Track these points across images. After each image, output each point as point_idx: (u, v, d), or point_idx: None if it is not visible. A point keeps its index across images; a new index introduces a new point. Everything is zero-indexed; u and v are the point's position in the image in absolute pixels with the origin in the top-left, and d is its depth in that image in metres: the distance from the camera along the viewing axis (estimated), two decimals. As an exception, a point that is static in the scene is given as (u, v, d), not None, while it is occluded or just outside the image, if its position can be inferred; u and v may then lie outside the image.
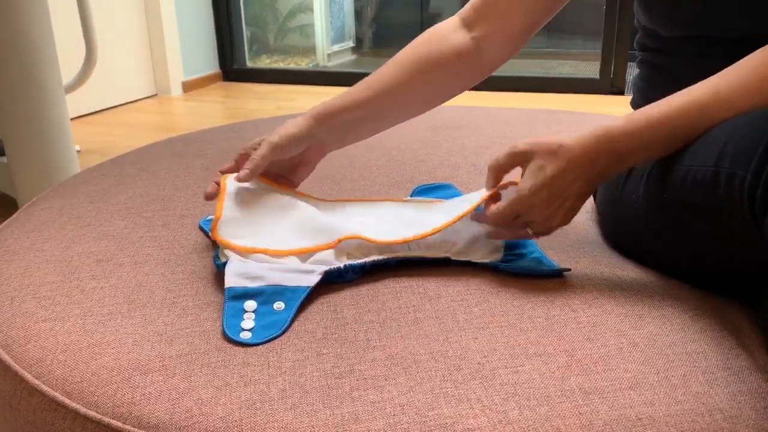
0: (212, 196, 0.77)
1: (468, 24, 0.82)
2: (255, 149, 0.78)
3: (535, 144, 0.67)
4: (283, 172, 0.82)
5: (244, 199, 0.77)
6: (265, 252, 0.72)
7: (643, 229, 0.72)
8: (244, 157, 0.79)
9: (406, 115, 0.85)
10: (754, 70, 0.60)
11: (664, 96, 0.64)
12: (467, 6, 0.83)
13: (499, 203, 0.70)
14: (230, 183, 0.77)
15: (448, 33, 0.82)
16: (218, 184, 0.78)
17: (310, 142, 0.79)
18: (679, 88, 0.64)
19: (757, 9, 0.68)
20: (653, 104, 0.64)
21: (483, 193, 0.73)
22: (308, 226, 0.75)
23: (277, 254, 0.71)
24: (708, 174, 0.59)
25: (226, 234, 0.73)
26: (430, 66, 0.81)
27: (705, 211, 0.60)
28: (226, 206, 0.75)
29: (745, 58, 0.62)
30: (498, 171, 0.72)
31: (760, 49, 0.61)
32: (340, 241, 0.72)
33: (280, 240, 0.73)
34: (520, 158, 0.69)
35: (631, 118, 0.64)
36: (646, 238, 0.72)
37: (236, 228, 0.74)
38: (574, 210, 0.68)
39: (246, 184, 0.77)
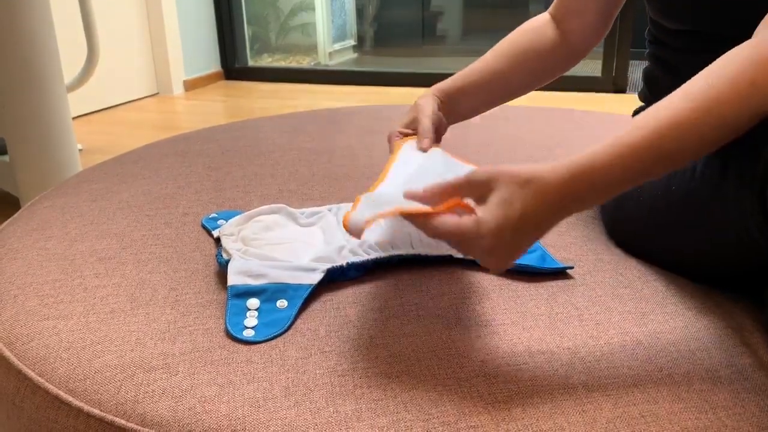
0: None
1: (556, 20, 0.90)
2: (408, 128, 0.81)
3: (500, 173, 0.54)
4: None
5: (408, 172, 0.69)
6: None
7: (647, 226, 0.72)
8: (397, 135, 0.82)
9: (508, 99, 0.91)
10: (740, 75, 0.53)
11: (671, 90, 0.57)
12: (555, 3, 0.91)
13: (444, 219, 0.55)
14: (407, 149, 0.77)
15: (540, 27, 0.90)
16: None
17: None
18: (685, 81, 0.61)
19: (745, 10, 0.67)
20: (629, 131, 0.53)
21: (457, 168, 0.66)
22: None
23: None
24: (717, 167, 0.58)
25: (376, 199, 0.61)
26: (530, 55, 0.88)
27: (712, 205, 0.60)
28: (393, 174, 0.68)
29: (725, 60, 0.55)
30: (449, 195, 0.57)
31: (739, 48, 0.55)
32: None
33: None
34: (480, 188, 0.55)
35: (607, 147, 0.53)
36: (650, 235, 0.72)
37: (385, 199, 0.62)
38: (517, 256, 0.55)
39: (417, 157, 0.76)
